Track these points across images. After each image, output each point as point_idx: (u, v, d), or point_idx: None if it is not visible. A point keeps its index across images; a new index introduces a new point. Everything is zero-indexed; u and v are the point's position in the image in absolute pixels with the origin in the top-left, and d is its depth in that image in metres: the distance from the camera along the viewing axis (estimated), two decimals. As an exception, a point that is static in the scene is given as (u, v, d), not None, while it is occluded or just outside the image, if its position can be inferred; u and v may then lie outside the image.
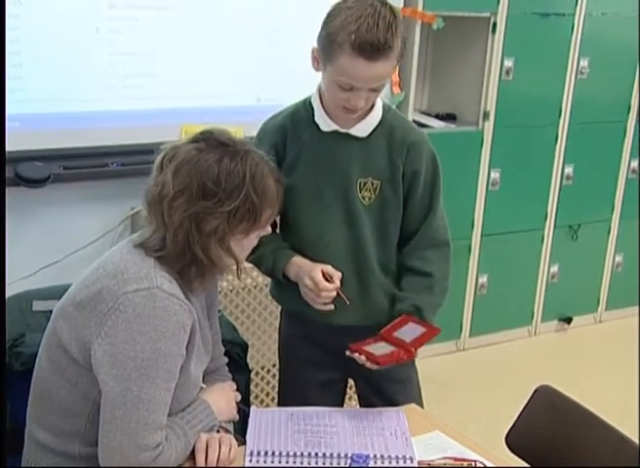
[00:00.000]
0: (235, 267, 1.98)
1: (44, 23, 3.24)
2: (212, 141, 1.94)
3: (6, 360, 2.01)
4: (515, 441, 2.45)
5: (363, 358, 2.25)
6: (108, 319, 1.83)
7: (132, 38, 3.43)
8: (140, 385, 1.82)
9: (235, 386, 2.21)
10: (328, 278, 2.30)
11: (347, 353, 2.27)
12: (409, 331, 2.32)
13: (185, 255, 1.91)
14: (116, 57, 3.42)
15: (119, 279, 1.86)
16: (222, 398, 2.14)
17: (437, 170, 2.41)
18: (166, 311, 1.83)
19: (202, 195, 1.87)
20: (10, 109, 3.22)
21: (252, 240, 2.00)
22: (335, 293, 2.30)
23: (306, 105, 2.37)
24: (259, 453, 2.08)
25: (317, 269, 2.30)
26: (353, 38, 2.10)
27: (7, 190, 3.23)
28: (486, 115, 4.53)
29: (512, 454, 2.41)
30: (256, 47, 3.64)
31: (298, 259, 2.36)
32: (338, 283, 2.30)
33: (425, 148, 2.39)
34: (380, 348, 2.28)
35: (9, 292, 2.49)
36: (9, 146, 3.21)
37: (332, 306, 2.32)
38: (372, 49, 2.10)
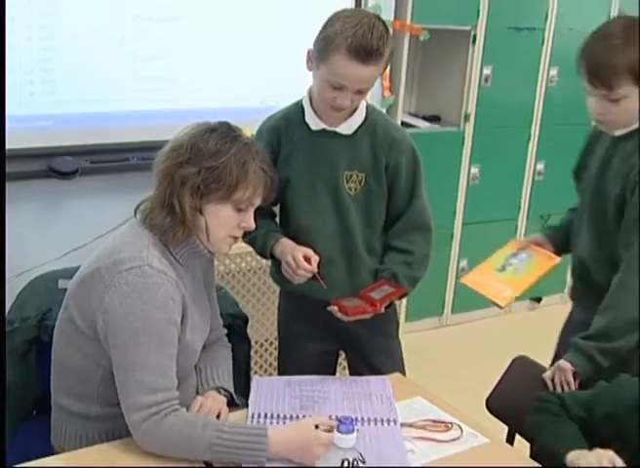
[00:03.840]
0: (206, 236, 1.94)
1: (75, 33, 3.22)
2: (224, 126, 1.95)
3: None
4: (494, 404, 2.46)
5: (336, 308, 2.27)
6: (106, 295, 1.83)
7: (151, 46, 3.41)
8: (135, 351, 1.81)
9: (330, 426, 1.87)
10: (306, 259, 2.29)
11: (328, 308, 2.28)
12: (381, 292, 2.32)
13: (165, 206, 1.89)
14: (138, 63, 3.40)
15: (115, 258, 1.86)
16: (295, 439, 1.84)
17: (417, 162, 2.39)
18: (155, 285, 1.82)
19: (190, 150, 1.88)
20: (43, 110, 3.24)
21: (228, 216, 1.93)
22: (310, 274, 2.29)
23: (298, 107, 2.36)
24: (259, 416, 2.07)
25: (299, 250, 2.30)
26: (350, 41, 2.09)
27: (39, 182, 3.26)
28: (467, 117, 4.52)
29: (491, 416, 2.41)
30: (260, 55, 3.63)
31: (284, 241, 2.36)
32: (315, 265, 2.29)
33: (405, 143, 2.37)
34: (353, 303, 2.29)
35: (40, 272, 2.50)
36: (43, 143, 3.24)
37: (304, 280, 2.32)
38: (365, 53, 2.10)
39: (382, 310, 2.29)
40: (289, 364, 2.59)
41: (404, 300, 3.99)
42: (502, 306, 2.43)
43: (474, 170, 4.63)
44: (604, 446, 1.87)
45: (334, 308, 2.27)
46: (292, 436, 1.84)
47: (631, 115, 2.19)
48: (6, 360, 2.08)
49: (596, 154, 2.36)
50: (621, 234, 2.24)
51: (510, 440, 2.36)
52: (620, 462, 1.76)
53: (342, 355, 2.66)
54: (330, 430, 1.85)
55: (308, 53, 2.22)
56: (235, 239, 2.01)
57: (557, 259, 2.48)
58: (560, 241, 2.55)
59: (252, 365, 2.83)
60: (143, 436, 1.82)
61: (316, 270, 2.29)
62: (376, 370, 2.42)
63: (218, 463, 1.81)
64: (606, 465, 1.75)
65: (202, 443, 1.79)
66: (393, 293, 2.33)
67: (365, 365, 2.50)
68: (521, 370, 2.44)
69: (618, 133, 2.25)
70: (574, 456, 1.82)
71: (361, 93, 2.21)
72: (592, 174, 2.35)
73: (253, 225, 1.99)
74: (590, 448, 1.87)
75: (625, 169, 2.22)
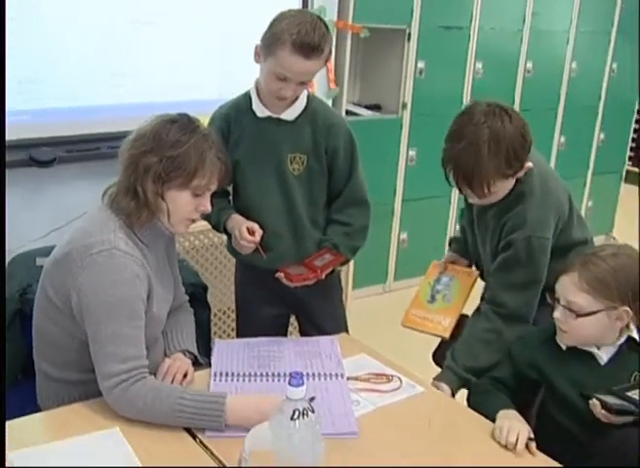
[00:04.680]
0: (167, 218, 1.93)
1: (51, 35, 3.20)
2: (184, 118, 1.93)
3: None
4: (440, 357, 2.44)
5: (282, 275, 2.28)
6: (79, 276, 1.81)
7: (120, 45, 3.37)
8: (106, 325, 1.80)
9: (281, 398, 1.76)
10: (250, 232, 2.30)
11: (276, 275, 2.29)
12: (323, 260, 2.33)
13: (129, 191, 1.87)
14: (107, 60, 3.36)
15: (86, 242, 1.83)
16: (253, 407, 1.81)
17: (354, 144, 2.38)
18: (122, 266, 1.81)
19: (152, 140, 1.85)
20: (23, 105, 3.19)
21: (187, 201, 1.91)
22: (253, 245, 2.30)
23: (246, 97, 2.35)
24: (221, 374, 2.07)
25: (243, 224, 2.31)
26: (294, 38, 2.10)
27: (22, 170, 3.22)
28: (404, 106, 4.52)
29: (436, 367, 2.42)
30: (217, 51, 3.63)
31: (235, 216, 2.36)
32: (257, 237, 2.29)
33: (343, 128, 2.36)
34: (297, 270, 2.30)
35: (23, 250, 2.47)
36: (23, 135, 3.19)
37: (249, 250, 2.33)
38: (308, 48, 2.10)
39: (323, 277, 2.30)
40: (245, 327, 2.59)
41: (351, 270, 4.01)
42: (447, 336, 2.36)
43: (412, 152, 4.63)
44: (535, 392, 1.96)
45: (280, 275, 2.29)
46: (250, 407, 1.81)
47: (505, 191, 2.15)
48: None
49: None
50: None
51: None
52: (526, 434, 1.81)
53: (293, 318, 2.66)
54: None
55: (256, 48, 2.21)
56: (193, 221, 1.99)
57: (475, 273, 2.46)
58: (468, 252, 2.53)
59: (213, 331, 2.82)
60: (114, 401, 1.81)
61: (257, 241, 2.29)
62: (322, 331, 2.43)
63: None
64: (510, 436, 1.80)
65: (165, 409, 1.78)
66: (334, 261, 2.33)
67: (312, 326, 2.51)
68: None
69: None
70: (500, 414, 1.89)
71: (303, 84, 2.21)
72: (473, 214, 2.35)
73: (209, 209, 1.97)
74: (531, 401, 1.94)
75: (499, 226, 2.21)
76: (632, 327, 1.92)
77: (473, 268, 2.51)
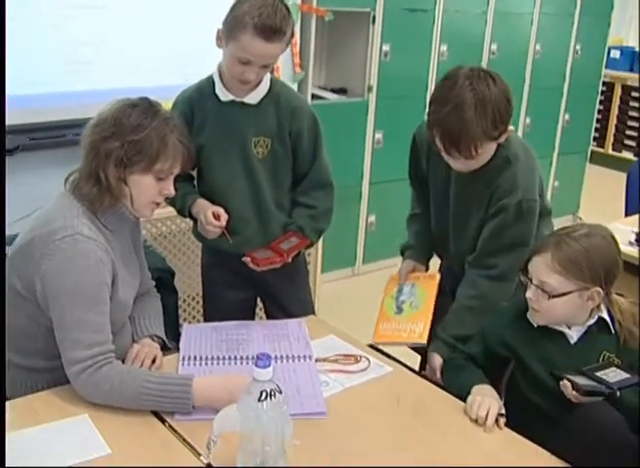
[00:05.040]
0: (130, 203, 1.92)
1: (11, 20, 3.09)
2: (145, 102, 1.91)
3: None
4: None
5: (248, 259, 2.28)
6: (42, 263, 1.80)
7: (80, 32, 3.33)
8: (71, 311, 1.80)
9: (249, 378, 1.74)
10: (216, 217, 2.30)
11: (243, 259, 2.30)
12: (289, 243, 2.33)
13: (91, 176, 1.86)
14: (70, 47, 3.32)
15: (48, 228, 1.82)
16: (220, 386, 1.82)
17: (317, 127, 2.38)
18: (86, 251, 1.80)
19: (113, 125, 1.84)
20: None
21: (150, 185, 1.90)
22: (219, 229, 2.30)
23: (209, 81, 2.34)
24: (190, 358, 2.08)
25: (209, 209, 2.30)
26: (256, 21, 2.09)
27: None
28: (370, 88, 4.51)
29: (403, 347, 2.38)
30: (181, 37, 3.58)
31: (200, 201, 2.35)
32: (223, 222, 2.30)
33: (306, 111, 2.36)
34: (263, 254, 2.30)
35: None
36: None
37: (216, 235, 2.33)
38: (269, 31, 2.10)
39: (290, 260, 2.31)
40: (212, 311, 2.59)
41: (319, 254, 4.01)
42: (424, 341, 2.26)
43: (378, 135, 4.63)
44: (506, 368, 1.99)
45: (247, 259, 2.29)
46: (217, 387, 1.82)
47: (488, 156, 2.15)
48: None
49: (440, 172, 2.31)
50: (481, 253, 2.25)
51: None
52: (496, 410, 1.84)
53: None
54: None
55: (218, 32, 2.20)
56: (157, 204, 1.98)
57: (437, 275, 2.42)
58: (425, 256, 2.52)
59: (182, 318, 2.82)
60: (81, 387, 1.81)
61: (223, 226, 2.29)
62: (289, 314, 2.44)
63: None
64: (480, 411, 1.83)
65: (131, 392, 1.78)
66: (300, 244, 2.34)
67: (279, 310, 2.51)
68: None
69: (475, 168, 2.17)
70: (474, 389, 1.92)
71: (266, 67, 2.21)
72: (451, 192, 2.32)
73: (173, 192, 1.97)
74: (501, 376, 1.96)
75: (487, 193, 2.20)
76: (603, 307, 1.95)
77: (434, 271, 2.48)
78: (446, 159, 2.14)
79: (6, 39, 2.61)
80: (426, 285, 2.40)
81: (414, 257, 2.51)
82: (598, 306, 1.94)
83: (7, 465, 1.51)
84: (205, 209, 2.31)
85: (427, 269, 2.52)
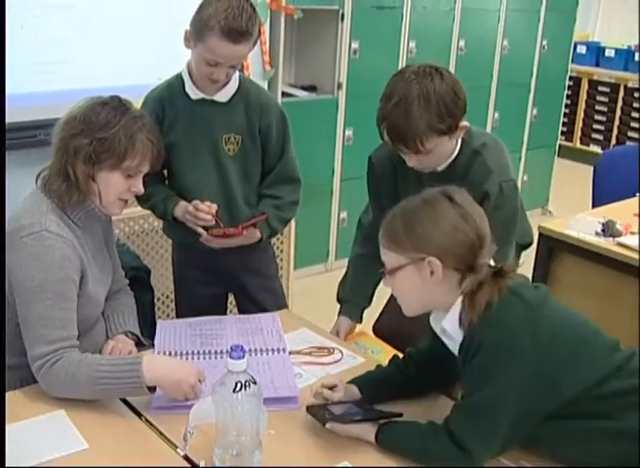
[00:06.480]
0: (99, 200, 1.94)
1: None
2: (115, 100, 1.93)
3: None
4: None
5: (206, 238, 2.33)
6: (10, 259, 1.83)
7: (51, 31, 3.32)
8: (35, 307, 1.82)
9: (203, 376, 1.87)
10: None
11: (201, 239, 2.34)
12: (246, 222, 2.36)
13: (61, 173, 1.88)
14: (39, 47, 3.30)
15: (17, 225, 1.85)
16: (166, 364, 1.90)
17: (286, 123, 2.41)
18: (52, 248, 1.82)
19: (82, 122, 1.87)
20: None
21: (118, 182, 1.92)
22: (210, 217, 2.31)
23: (178, 79, 2.36)
24: (164, 354, 2.09)
25: (196, 200, 2.33)
26: (222, 24, 2.11)
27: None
28: (339, 86, 4.53)
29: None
30: (152, 36, 3.58)
31: (182, 203, 2.37)
32: (214, 209, 2.32)
33: (275, 107, 2.40)
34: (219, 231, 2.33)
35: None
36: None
37: (203, 233, 2.34)
38: (236, 34, 2.12)
39: (244, 233, 2.33)
40: (184, 308, 2.61)
41: (292, 250, 4.03)
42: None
43: (348, 132, 4.66)
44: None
45: (204, 238, 2.33)
46: (167, 368, 1.85)
47: (446, 153, 2.12)
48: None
49: (405, 180, 2.27)
50: None
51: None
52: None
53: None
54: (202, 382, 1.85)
55: (186, 33, 2.22)
56: (125, 202, 2.00)
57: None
58: (361, 311, 2.50)
59: (157, 316, 2.82)
60: (43, 382, 1.83)
61: (214, 212, 2.31)
62: (261, 308, 2.47)
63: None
64: None
65: (86, 379, 1.79)
66: (255, 218, 2.37)
67: (251, 304, 2.54)
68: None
69: (440, 168, 2.15)
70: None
71: (234, 67, 2.24)
72: None
73: (142, 190, 1.99)
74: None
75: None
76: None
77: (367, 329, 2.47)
78: (403, 157, 2.12)
79: (5, 38, 2.60)
80: (374, 341, 2.42)
81: (349, 313, 2.48)
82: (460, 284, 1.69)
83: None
84: (189, 204, 2.33)
85: (361, 321, 2.50)
